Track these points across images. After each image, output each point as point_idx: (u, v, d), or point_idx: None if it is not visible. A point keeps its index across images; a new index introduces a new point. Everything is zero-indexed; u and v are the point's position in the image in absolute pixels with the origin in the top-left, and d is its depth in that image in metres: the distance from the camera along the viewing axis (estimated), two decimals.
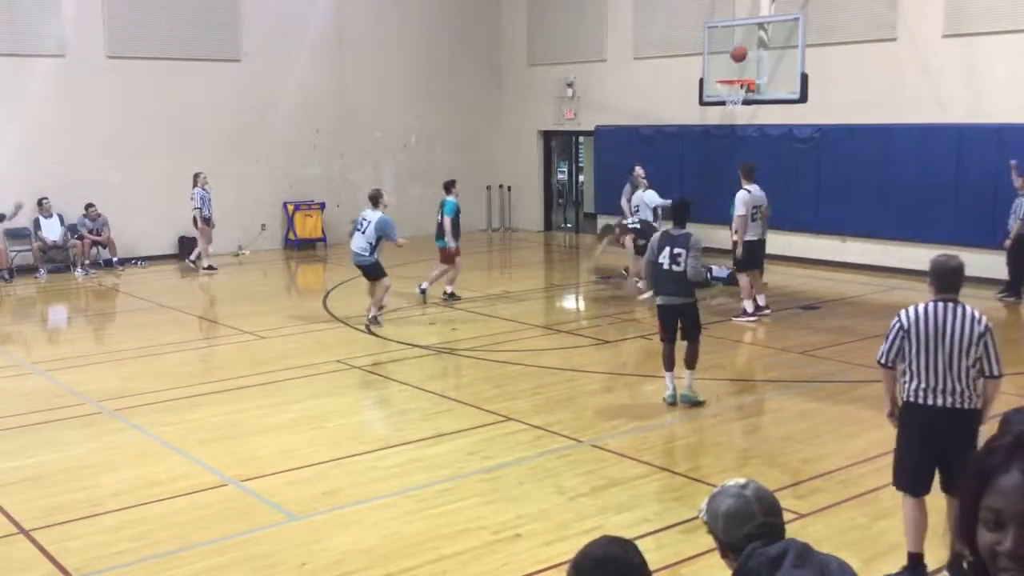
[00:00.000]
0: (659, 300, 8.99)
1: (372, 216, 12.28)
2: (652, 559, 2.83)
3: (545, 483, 7.10)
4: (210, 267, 17.43)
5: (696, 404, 8.88)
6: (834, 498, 6.72)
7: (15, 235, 17.25)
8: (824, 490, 6.88)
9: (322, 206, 20.52)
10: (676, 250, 8.66)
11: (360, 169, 21.13)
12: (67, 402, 9.32)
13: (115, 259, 17.88)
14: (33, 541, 6.14)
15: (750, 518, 2.86)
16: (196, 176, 17.55)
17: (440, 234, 13.84)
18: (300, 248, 20.21)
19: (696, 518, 3.12)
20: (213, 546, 6.11)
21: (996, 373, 5.32)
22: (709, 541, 3.03)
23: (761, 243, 13.01)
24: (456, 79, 22.26)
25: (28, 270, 17.21)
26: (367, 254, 12.29)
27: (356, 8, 20.93)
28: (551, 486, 7.03)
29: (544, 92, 21.89)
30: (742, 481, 3.00)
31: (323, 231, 20.52)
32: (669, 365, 8.94)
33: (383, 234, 12.18)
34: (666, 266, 8.71)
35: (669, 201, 12.79)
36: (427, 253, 15.02)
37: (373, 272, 12.42)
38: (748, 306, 12.68)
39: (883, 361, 5.59)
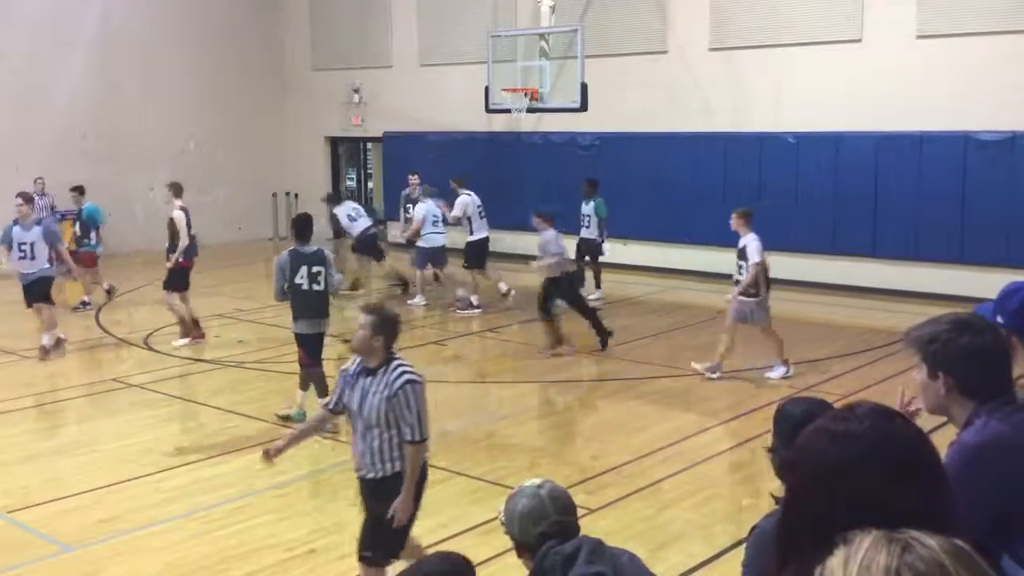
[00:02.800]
0: (303, 327, 8.39)
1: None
2: None
3: (338, 495, 6.96)
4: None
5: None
6: (622, 492, 6.97)
7: None
8: (612, 484, 7.12)
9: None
10: (315, 268, 8.28)
11: (134, 175, 20.04)
12: None
13: None
14: None
15: (545, 517, 2.92)
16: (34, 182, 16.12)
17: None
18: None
19: (495, 519, 3.15)
20: None
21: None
22: (506, 542, 3.07)
23: (488, 240, 14.37)
24: (237, 82, 21.52)
25: None
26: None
27: (126, 5, 19.86)
28: (344, 498, 6.90)
29: (330, 97, 21.57)
30: (538, 481, 3.06)
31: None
32: (324, 389, 8.37)
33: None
34: (306, 287, 8.26)
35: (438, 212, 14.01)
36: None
37: None
38: (475, 300, 13.69)
39: None
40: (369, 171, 23.40)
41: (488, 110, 16.17)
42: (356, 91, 21.07)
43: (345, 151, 23.00)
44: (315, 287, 8.29)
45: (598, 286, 14.55)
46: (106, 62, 19.56)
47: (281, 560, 5.90)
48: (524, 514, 2.93)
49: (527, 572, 2.93)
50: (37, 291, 10.96)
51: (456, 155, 19.08)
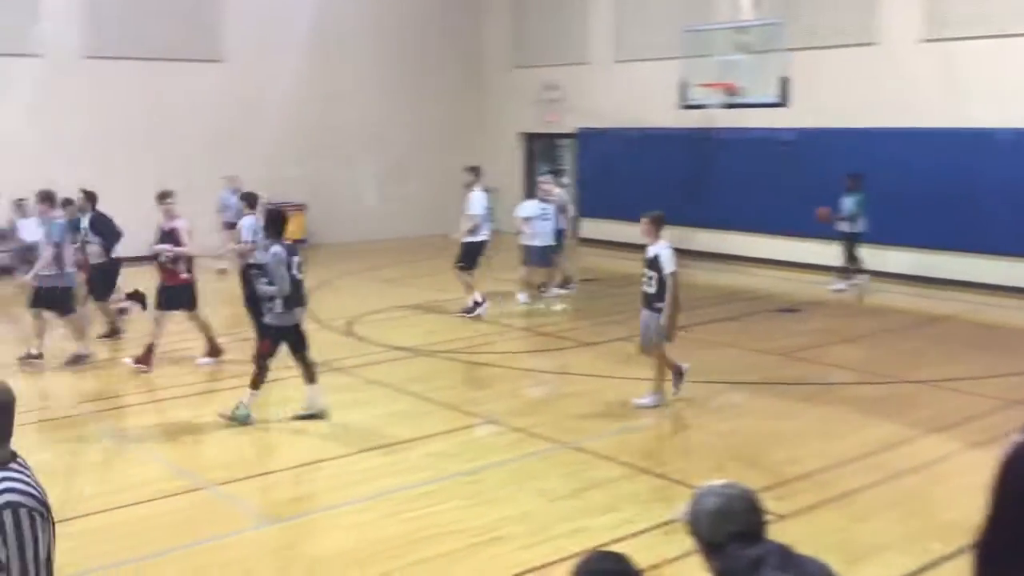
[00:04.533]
0: (293, 318, 8.54)
1: None
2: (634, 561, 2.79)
3: (526, 485, 7.03)
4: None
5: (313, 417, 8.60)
6: (814, 500, 6.69)
7: None
8: (804, 491, 6.85)
9: (302, 207, 20.39)
10: (299, 259, 8.57)
11: (340, 170, 21.02)
12: (34, 405, 9.19)
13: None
14: None
15: (733, 517, 2.83)
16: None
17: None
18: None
19: (676, 521, 3.08)
20: (187, 551, 6.01)
21: None
22: (691, 543, 2.99)
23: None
24: (439, 80, 22.19)
25: (5, 271, 17.00)
26: None
27: (338, 8, 20.85)
28: (532, 488, 6.97)
29: (526, 94, 21.85)
30: (726, 481, 2.97)
31: (306, 232, 20.40)
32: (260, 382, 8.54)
33: None
34: (300, 276, 8.53)
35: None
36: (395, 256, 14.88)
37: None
38: (479, 297, 13.05)
39: None
40: (563, 167, 23.53)
41: (683, 106, 15.91)
42: (553, 88, 21.24)
43: (539, 147, 23.23)
44: (300, 276, 8.59)
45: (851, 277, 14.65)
46: (314, 62, 20.59)
47: (466, 546, 6.01)
48: (712, 512, 2.84)
49: (710, 573, 2.84)
50: None
51: (649, 151, 18.94)
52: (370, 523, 6.38)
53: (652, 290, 8.71)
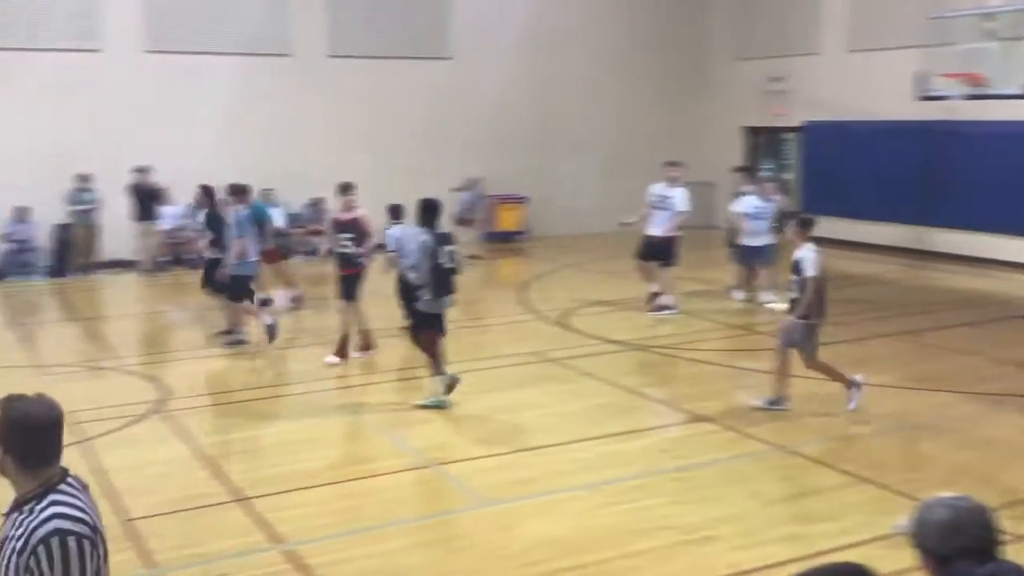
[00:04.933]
0: (442, 306, 8.90)
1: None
2: None
3: (738, 487, 6.95)
4: None
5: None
6: None
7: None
8: None
9: (525, 200, 20.87)
10: (450, 247, 8.82)
11: (562, 163, 21.33)
12: (279, 381, 9.93)
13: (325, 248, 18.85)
14: (249, 509, 6.59)
15: (964, 531, 2.71)
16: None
17: None
18: (501, 240, 20.62)
19: (896, 534, 2.98)
20: (413, 525, 6.37)
21: None
22: (914, 557, 2.90)
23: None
24: (658, 73, 22.07)
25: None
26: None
27: (560, 4, 21.16)
28: (745, 490, 6.89)
29: (749, 87, 21.35)
30: (957, 494, 2.85)
31: (525, 225, 20.88)
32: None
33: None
34: (450, 265, 8.78)
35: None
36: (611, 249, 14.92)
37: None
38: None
39: None
40: (787, 161, 22.83)
41: (920, 97, 15.07)
42: (778, 80, 20.63)
43: (762, 141, 22.64)
44: (452, 265, 8.83)
45: None
46: (535, 58, 20.98)
47: (676, 542, 6.02)
48: (943, 525, 2.74)
49: None
50: None
51: (881, 145, 18.06)
52: (584, 512, 6.52)
53: (797, 294, 8.51)
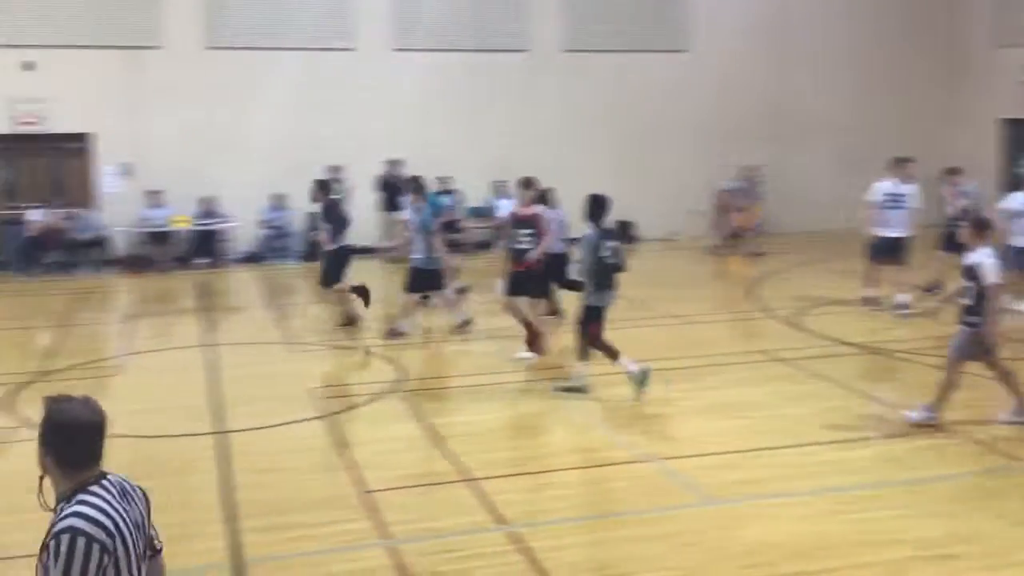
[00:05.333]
0: (602, 300, 8.99)
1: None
2: None
3: (982, 503, 6.53)
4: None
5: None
6: None
7: (476, 213, 19.27)
8: None
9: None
10: (613, 243, 8.99)
11: (795, 156, 20.64)
12: (507, 367, 10.24)
13: None
14: (476, 489, 6.87)
15: None
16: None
17: None
18: (734, 236, 20.24)
19: None
20: (634, 517, 6.42)
21: None
22: None
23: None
24: (907, 64, 20.90)
25: (485, 246, 19.11)
26: None
27: None
28: (988, 508, 6.46)
29: (1011, 76, 19.78)
30: None
31: (757, 220, 20.40)
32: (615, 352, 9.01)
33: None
34: (613, 260, 8.88)
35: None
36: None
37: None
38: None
39: None
40: None
41: None
42: None
43: (1020, 134, 20.93)
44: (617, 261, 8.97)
45: None
46: (775, 49, 20.42)
47: (910, 557, 5.75)
48: None
49: None
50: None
51: None
52: (811, 517, 6.34)
53: (970, 302, 7.82)
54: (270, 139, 18.16)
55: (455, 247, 14.27)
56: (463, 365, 10.75)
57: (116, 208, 17.54)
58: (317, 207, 12.94)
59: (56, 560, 2.75)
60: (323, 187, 12.51)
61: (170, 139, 17.76)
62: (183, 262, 17.75)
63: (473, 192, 19.17)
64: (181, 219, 17.81)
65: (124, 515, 2.93)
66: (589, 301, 9.07)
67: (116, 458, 7.75)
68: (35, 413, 8.71)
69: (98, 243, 17.67)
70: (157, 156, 17.58)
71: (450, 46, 18.93)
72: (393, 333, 11.50)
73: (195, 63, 17.97)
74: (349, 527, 6.26)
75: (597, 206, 9.07)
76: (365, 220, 18.09)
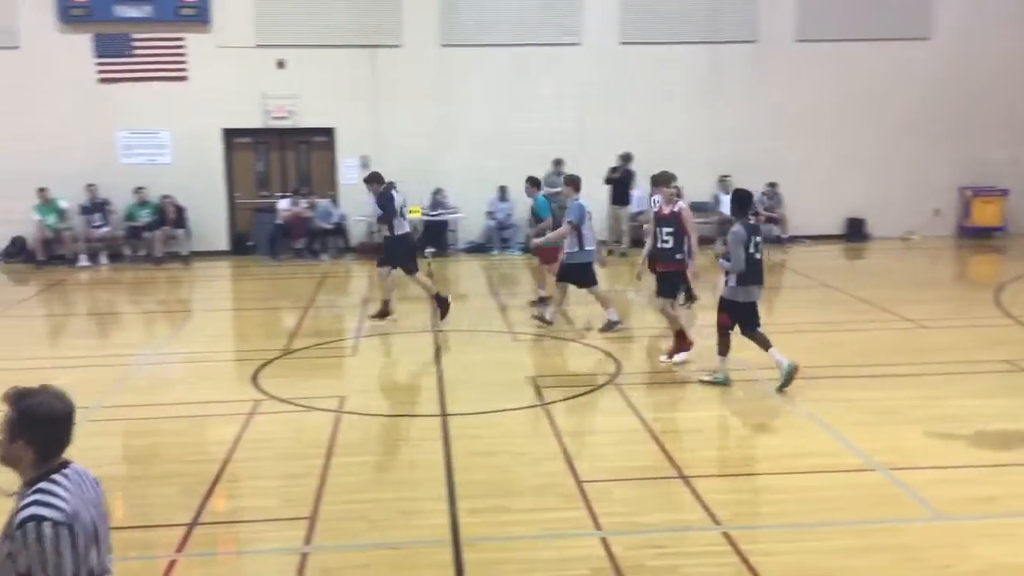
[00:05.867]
0: (748, 295, 9.02)
1: None
2: None
3: None
4: None
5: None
6: None
7: (697, 208, 18.97)
8: None
9: (1005, 192, 18.95)
10: (760, 239, 9.05)
11: None
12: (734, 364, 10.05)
13: (784, 236, 18.65)
14: (690, 487, 6.80)
15: None
16: None
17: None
18: (975, 236, 18.92)
19: None
20: (855, 527, 6.15)
21: None
22: None
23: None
24: None
25: (706, 241, 18.82)
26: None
27: None
28: None
29: None
30: None
31: (1003, 219, 18.96)
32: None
33: None
34: (759, 256, 8.99)
35: None
36: None
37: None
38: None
39: None
40: None
41: None
42: None
43: None
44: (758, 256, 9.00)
45: None
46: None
47: None
48: None
49: None
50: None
51: None
52: None
53: None
54: (496, 133, 18.66)
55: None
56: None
57: (354, 199, 18.59)
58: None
59: (28, 548, 2.93)
60: (375, 179, 12.59)
61: (404, 133, 18.63)
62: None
63: (698, 186, 18.90)
64: (413, 210, 18.64)
65: (87, 500, 3.11)
66: (728, 295, 9.08)
67: (347, 435, 8.27)
68: (276, 387, 9.46)
69: (338, 231, 18.79)
70: (391, 149, 18.47)
71: (677, 38, 18.74)
72: (609, 326, 11.58)
73: (430, 60, 18.72)
74: (561, 515, 6.36)
75: (743, 201, 9.16)
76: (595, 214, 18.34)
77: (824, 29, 18.79)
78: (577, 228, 11.40)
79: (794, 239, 18.72)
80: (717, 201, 18.85)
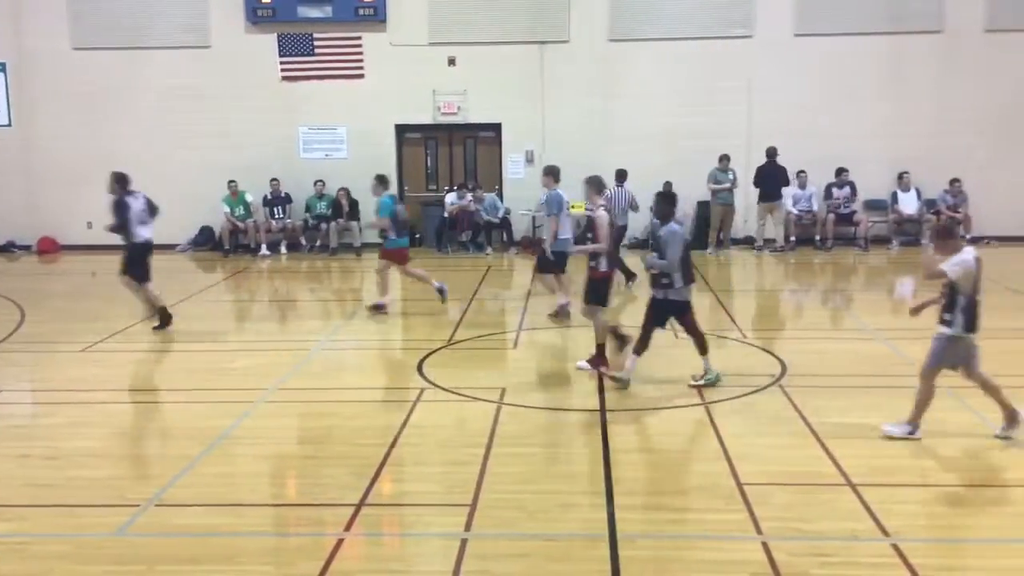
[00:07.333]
0: (687, 294, 9.12)
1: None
2: None
3: None
4: None
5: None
6: None
7: (873, 206, 18.24)
8: None
9: None
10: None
11: None
12: (901, 371, 9.61)
13: (966, 236, 17.66)
14: (858, 495, 6.54)
15: None
16: None
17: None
18: None
19: None
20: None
21: None
22: None
23: None
24: None
25: (881, 240, 18.04)
26: None
27: None
28: None
29: None
30: None
31: None
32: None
33: None
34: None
35: None
36: None
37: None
38: None
39: None
40: None
41: None
42: None
43: None
44: None
45: None
46: None
47: None
48: None
49: None
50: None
51: None
52: None
53: None
54: (662, 129, 18.46)
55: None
56: (846, 363, 10.24)
57: (517, 193, 18.78)
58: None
59: None
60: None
61: (568, 129, 18.69)
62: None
63: (871, 184, 18.16)
64: (576, 205, 18.66)
65: None
66: (675, 295, 9.08)
67: (507, 426, 8.39)
68: (440, 377, 9.70)
69: (502, 224, 19.05)
70: (555, 144, 18.56)
71: (855, 29, 18.03)
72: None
73: (597, 55, 18.71)
74: (721, 517, 6.25)
75: (671, 200, 9.31)
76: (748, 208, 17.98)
77: (1017, 18, 17.66)
78: (556, 218, 11.99)
79: (976, 240, 17.70)
80: (895, 198, 18.06)
